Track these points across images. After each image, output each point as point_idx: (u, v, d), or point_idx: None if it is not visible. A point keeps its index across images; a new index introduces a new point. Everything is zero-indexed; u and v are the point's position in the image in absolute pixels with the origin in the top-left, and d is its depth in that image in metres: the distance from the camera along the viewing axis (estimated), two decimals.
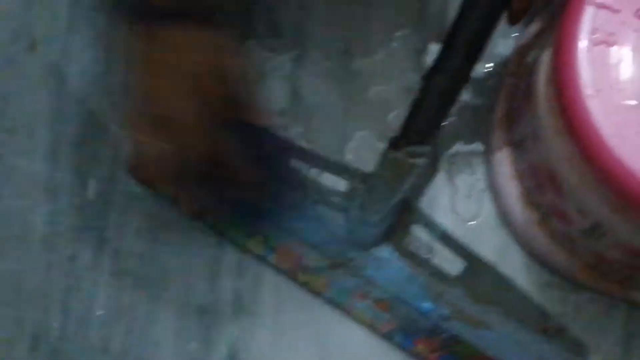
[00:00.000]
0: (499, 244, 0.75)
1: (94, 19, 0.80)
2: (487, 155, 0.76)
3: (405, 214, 0.73)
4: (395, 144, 0.69)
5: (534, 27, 0.74)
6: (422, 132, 0.68)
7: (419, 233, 0.74)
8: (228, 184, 0.66)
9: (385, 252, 0.73)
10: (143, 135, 0.61)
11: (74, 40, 0.79)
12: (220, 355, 0.74)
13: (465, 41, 0.66)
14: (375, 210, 0.71)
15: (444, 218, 0.75)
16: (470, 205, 0.76)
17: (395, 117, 0.76)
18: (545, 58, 0.65)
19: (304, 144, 0.76)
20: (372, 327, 0.74)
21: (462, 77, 0.67)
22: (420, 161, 0.69)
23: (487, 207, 0.76)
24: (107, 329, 0.75)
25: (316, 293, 0.74)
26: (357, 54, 0.78)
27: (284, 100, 0.78)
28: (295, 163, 0.74)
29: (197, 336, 0.74)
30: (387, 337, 0.73)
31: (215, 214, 0.74)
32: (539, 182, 0.69)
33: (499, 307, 0.72)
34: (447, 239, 0.74)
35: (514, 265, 0.75)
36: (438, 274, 0.73)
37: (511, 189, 0.73)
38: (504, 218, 0.75)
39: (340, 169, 0.74)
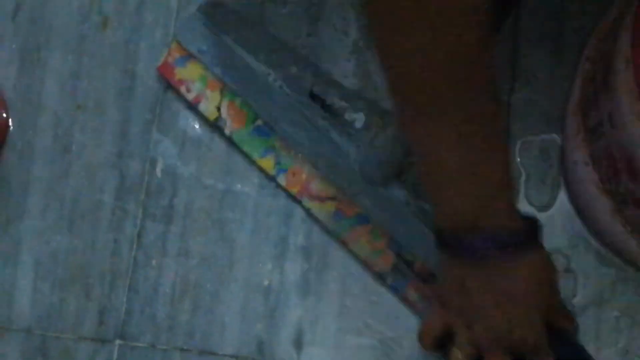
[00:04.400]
0: (572, 232, 0.74)
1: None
2: (562, 141, 0.75)
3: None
4: None
5: (613, 12, 0.73)
6: None
7: None
8: None
9: (393, 191, 0.73)
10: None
11: (144, 19, 0.79)
12: (286, 336, 0.74)
13: None
14: (386, 146, 0.71)
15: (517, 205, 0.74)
16: (543, 193, 0.75)
17: None
18: (625, 41, 0.63)
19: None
20: (366, 264, 0.74)
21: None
22: None
23: (561, 195, 0.75)
24: (173, 306, 0.75)
25: (317, 220, 0.75)
26: None
27: (355, 79, 0.78)
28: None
29: (263, 317, 0.74)
30: (380, 277, 0.74)
31: None
32: (616, 169, 0.67)
33: None
34: None
35: (587, 255, 0.73)
36: None
37: (586, 176, 0.72)
38: (578, 206, 0.74)
39: (362, 101, 0.74)
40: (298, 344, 0.74)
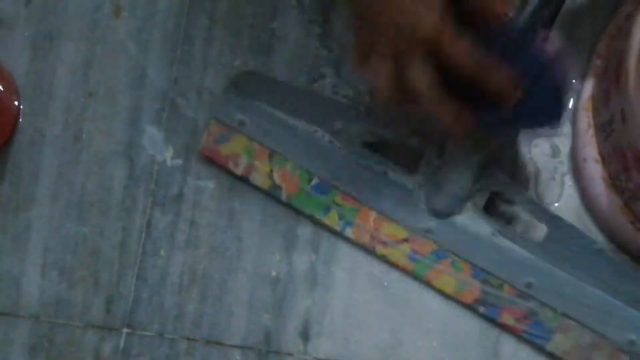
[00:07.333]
0: (580, 228, 0.73)
1: None
2: (572, 137, 0.75)
3: (485, 180, 0.71)
4: None
5: (625, 8, 0.73)
6: None
7: (501, 199, 0.73)
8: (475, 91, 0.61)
9: (465, 219, 0.72)
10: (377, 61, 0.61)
11: (156, 7, 0.79)
12: (293, 328, 0.74)
13: None
14: (452, 175, 0.70)
15: None
16: (552, 188, 0.75)
17: None
18: (637, 37, 0.63)
19: None
20: (456, 298, 0.73)
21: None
22: None
23: (569, 191, 0.75)
24: (181, 296, 0.75)
25: (396, 265, 0.74)
26: None
27: None
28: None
29: (270, 307, 0.75)
30: (472, 308, 0.73)
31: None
32: (625, 166, 0.67)
33: (584, 272, 0.71)
34: (530, 204, 0.72)
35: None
36: (520, 241, 0.72)
37: (595, 173, 0.72)
38: (586, 202, 0.74)
39: (416, 138, 0.73)
40: (305, 335, 0.74)
